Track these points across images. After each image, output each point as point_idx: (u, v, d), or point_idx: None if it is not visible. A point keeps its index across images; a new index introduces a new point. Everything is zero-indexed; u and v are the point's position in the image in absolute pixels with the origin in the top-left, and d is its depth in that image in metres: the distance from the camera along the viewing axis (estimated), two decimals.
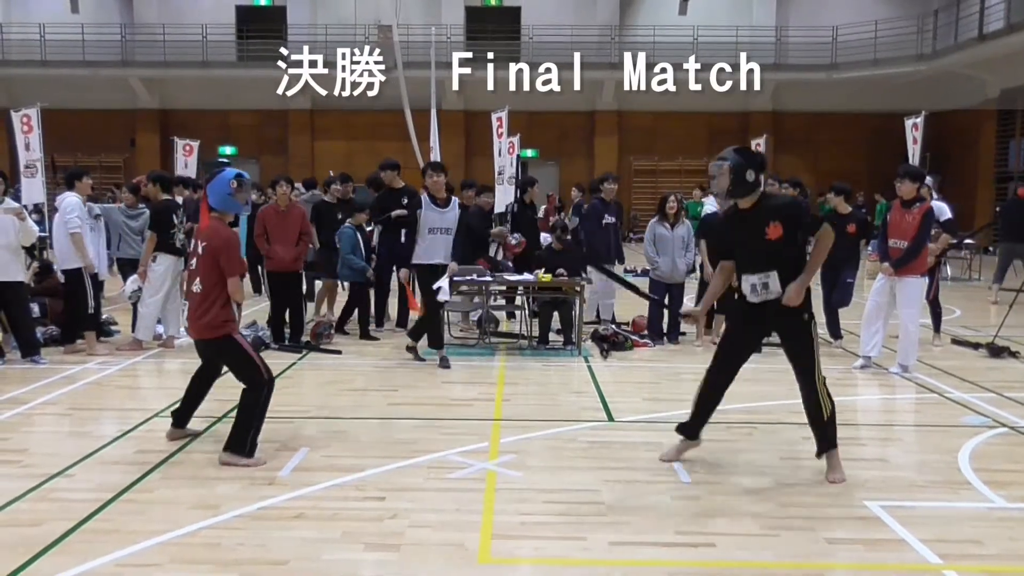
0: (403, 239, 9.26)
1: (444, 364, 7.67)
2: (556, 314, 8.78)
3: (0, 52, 25.00)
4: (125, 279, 9.26)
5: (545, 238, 9.70)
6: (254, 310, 10.59)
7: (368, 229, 9.48)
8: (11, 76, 24.85)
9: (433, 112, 8.80)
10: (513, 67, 24.93)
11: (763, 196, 4.79)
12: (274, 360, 7.89)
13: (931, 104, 20.90)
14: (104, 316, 9.10)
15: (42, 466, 4.86)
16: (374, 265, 9.37)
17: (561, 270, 8.50)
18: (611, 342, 8.49)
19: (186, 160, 17.93)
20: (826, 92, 25.22)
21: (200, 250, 4.97)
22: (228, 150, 25.69)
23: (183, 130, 20.50)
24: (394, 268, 9.27)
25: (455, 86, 23.66)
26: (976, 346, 8.65)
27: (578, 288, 8.53)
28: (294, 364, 7.86)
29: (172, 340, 8.51)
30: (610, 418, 6.08)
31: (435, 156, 8.87)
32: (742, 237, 4.81)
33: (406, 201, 9.40)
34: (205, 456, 5.12)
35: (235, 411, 4.99)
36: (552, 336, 8.85)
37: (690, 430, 5.06)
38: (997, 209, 21.95)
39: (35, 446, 5.36)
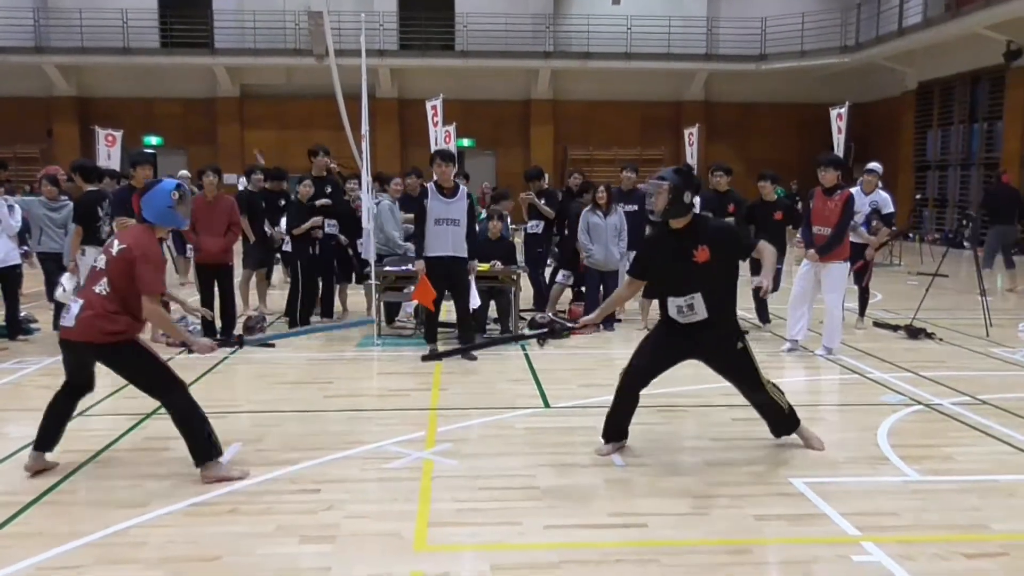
0: (326, 229, 9.22)
1: (434, 356, 7.57)
2: (492, 303, 8.81)
3: None
4: (47, 274, 8.99)
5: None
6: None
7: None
8: None
9: (364, 101, 8.69)
10: (447, 55, 24.92)
11: (695, 219, 4.82)
12: (206, 355, 7.77)
13: (855, 95, 21.62)
14: (23, 313, 8.80)
15: None
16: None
17: (496, 260, 8.52)
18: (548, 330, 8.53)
19: (109, 151, 17.39)
20: (756, 82, 25.79)
21: (115, 251, 4.47)
22: (153, 140, 25.02)
23: (105, 119, 19.84)
24: (320, 260, 9.25)
25: (388, 74, 23.52)
26: (896, 328, 8.98)
27: (514, 277, 8.57)
28: (226, 359, 7.72)
29: None
30: (546, 404, 6.14)
31: (366, 144, 8.76)
32: (669, 258, 4.79)
33: (329, 190, 9.34)
34: (132, 454, 5.01)
35: (176, 426, 4.54)
36: (489, 325, 8.88)
37: (616, 434, 5.07)
38: (917, 196, 22.80)
39: None
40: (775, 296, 9.22)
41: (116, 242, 4.53)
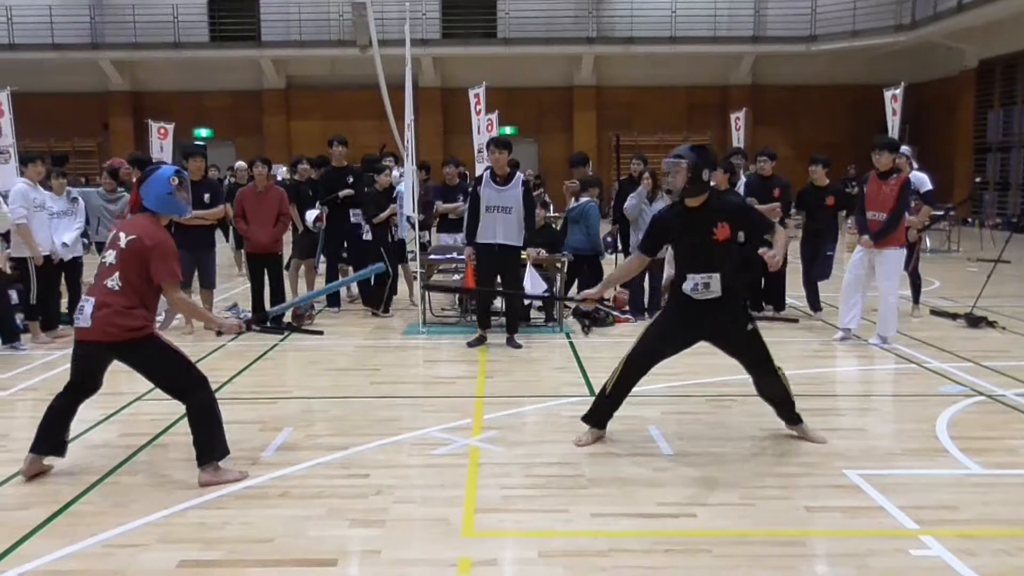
0: (351, 218, 9.32)
1: (479, 342, 7.68)
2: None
3: None
4: None
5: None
6: (233, 293, 10.55)
7: (316, 212, 9.41)
8: None
9: (408, 90, 8.73)
10: (489, 43, 24.90)
11: (712, 195, 4.78)
12: (256, 342, 7.92)
13: (910, 75, 21.04)
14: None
15: (25, 451, 4.82)
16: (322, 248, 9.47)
17: (541, 248, 8.49)
18: (592, 318, 8.53)
19: (161, 143, 17.72)
20: (805, 64, 25.27)
21: (124, 243, 4.29)
22: (203, 132, 25.43)
23: (157, 113, 20.22)
24: (343, 250, 9.34)
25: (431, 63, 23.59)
26: (954, 316, 8.76)
27: (558, 264, 8.54)
28: (276, 345, 7.85)
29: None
30: (591, 393, 6.10)
31: (410, 134, 8.80)
32: (688, 235, 4.77)
33: (351, 180, 9.41)
34: (188, 438, 5.10)
35: (190, 422, 4.38)
36: (533, 313, 8.88)
37: (600, 421, 5.02)
38: (977, 180, 22.15)
39: (17, 431, 5.33)
40: (827, 284, 9.09)
41: (123, 235, 4.33)
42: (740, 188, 9.32)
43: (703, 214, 4.70)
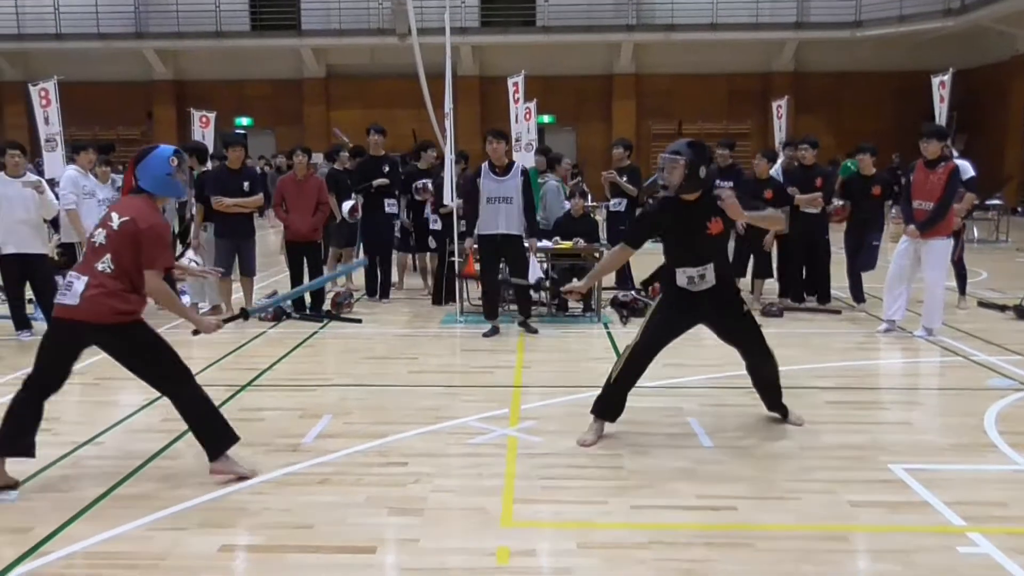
0: (386, 208, 9.34)
1: (493, 332, 7.70)
2: (575, 280, 8.75)
3: (16, 26, 24.99)
4: None
5: (563, 205, 9.65)
6: (274, 280, 10.65)
7: (351, 202, 9.45)
8: (27, 50, 24.89)
9: (448, 78, 8.71)
10: (528, 31, 24.76)
11: (706, 191, 4.76)
12: (295, 329, 8.00)
13: (959, 61, 20.47)
14: None
15: (72, 434, 4.94)
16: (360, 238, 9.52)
17: (579, 238, 8.45)
18: (630, 308, 8.46)
19: (203, 132, 17.95)
20: (850, 51, 24.75)
21: (116, 224, 4.07)
22: (244, 121, 25.67)
23: (199, 101, 20.45)
24: (378, 240, 9.35)
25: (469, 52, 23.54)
26: (1003, 308, 8.55)
27: (596, 255, 8.49)
28: (315, 333, 7.90)
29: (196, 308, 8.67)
30: None
31: (450, 123, 8.78)
32: (681, 229, 4.76)
33: (387, 169, 9.42)
34: (230, 423, 5.17)
35: (184, 418, 4.22)
36: (571, 303, 8.84)
37: (612, 414, 4.95)
38: None
39: (65, 414, 5.43)
40: (871, 275, 8.92)
41: (116, 215, 4.11)
42: (776, 174, 9.18)
43: (698, 209, 4.71)
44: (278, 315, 8.48)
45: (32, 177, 7.64)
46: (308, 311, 8.66)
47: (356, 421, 5.24)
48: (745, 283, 9.19)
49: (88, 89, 22.77)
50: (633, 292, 8.93)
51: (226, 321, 4.60)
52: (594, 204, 11.58)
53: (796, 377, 6.16)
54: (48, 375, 4.13)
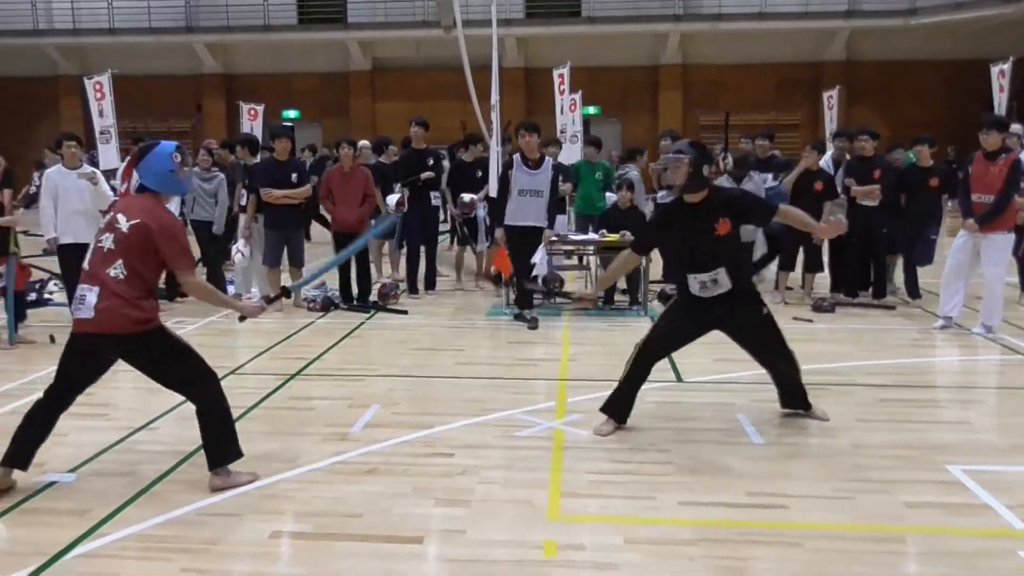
0: (432, 201, 9.35)
1: (533, 325, 7.71)
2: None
3: (71, 21, 25.57)
4: (199, 241, 9.55)
5: (610, 197, 9.59)
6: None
7: (397, 196, 9.48)
8: (82, 44, 25.45)
9: (495, 70, 8.70)
10: (574, 22, 24.62)
11: (712, 190, 4.67)
12: (343, 320, 8.07)
13: (1019, 48, 19.84)
14: None
15: (127, 419, 5.05)
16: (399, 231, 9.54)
17: (626, 231, 8.38)
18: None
19: (251, 124, 18.19)
20: (904, 39, 24.16)
21: (125, 228, 3.85)
22: (291, 113, 25.94)
23: (247, 94, 20.70)
24: (423, 232, 9.38)
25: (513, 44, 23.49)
26: None
27: None
28: (362, 324, 7.97)
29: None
30: (678, 378, 6.01)
31: (495, 115, 8.78)
32: (687, 232, 4.65)
33: (431, 162, 9.42)
34: (280, 412, 5.25)
35: (200, 421, 4.02)
36: (617, 296, 8.79)
37: (620, 414, 4.87)
38: None
39: (119, 401, 5.55)
40: (927, 270, 8.71)
41: (123, 217, 3.89)
42: (825, 166, 9.00)
43: (703, 210, 4.60)
44: (326, 306, 8.58)
45: (88, 169, 7.81)
46: (355, 302, 8.73)
47: (403, 411, 5.27)
48: (796, 277, 9.06)
49: (140, 82, 23.20)
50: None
51: (269, 302, 4.50)
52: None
53: (848, 374, 6.06)
54: (69, 387, 4.00)
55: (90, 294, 3.84)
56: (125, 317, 3.81)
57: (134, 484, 4.07)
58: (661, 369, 6.18)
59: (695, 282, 4.65)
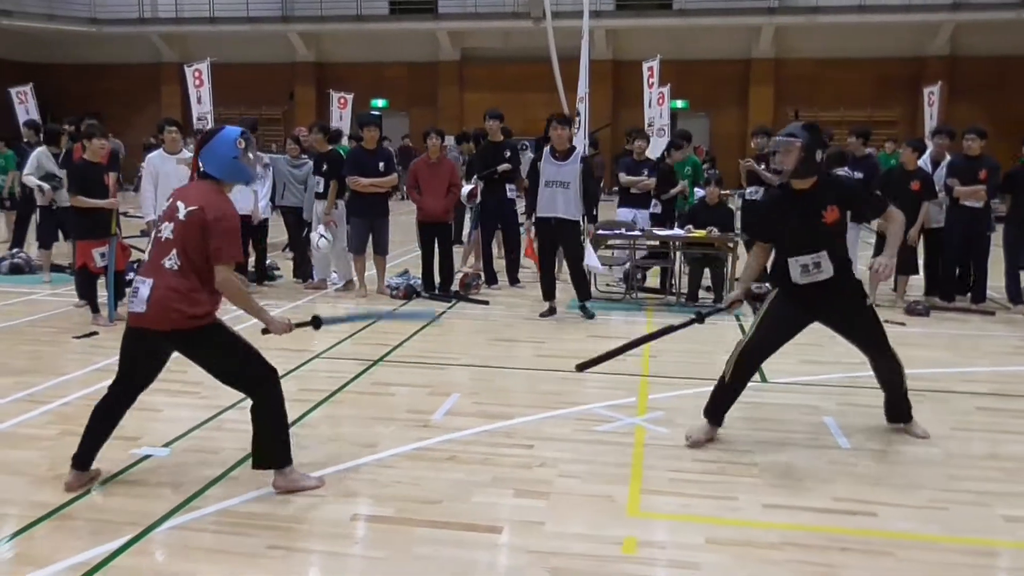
0: (507, 194, 9.33)
1: (550, 312, 7.78)
2: (707, 271, 8.58)
3: (174, 10, 26.54)
4: (288, 226, 9.80)
5: (698, 192, 9.43)
6: (404, 260, 10.89)
7: (470, 187, 9.49)
8: (184, 33, 26.39)
9: (584, 62, 8.65)
10: (664, 14, 24.27)
11: (821, 177, 4.46)
12: (425, 308, 8.14)
13: None
14: (267, 261, 9.61)
15: (216, 398, 5.20)
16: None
17: (712, 227, 8.23)
18: (764, 300, 8.17)
19: (341, 112, 18.59)
20: (1013, 32, 22.99)
21: (183, 215, 3.69)
22: (380, 103, 26.35)
23: (338, 83, 21.15)
24: (498, 226, 9.37)
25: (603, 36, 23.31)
26: None
27: (731, 244, 8.25)
28: (443, 313, 8.04)
29: (325, 283, 9.05)
30: (764, 379, 5.87)
31: (584, 107, 8.72)
32: (794, 219, 4.44)
33: (508, 155, 9.39)
34: (362, 396, 5.35)
35: (255, 421, 3.88)
36: (701, 293, 8.65)
37: (718, 415, 4.68)
38: None
39: (210, 380, 5.64)
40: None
41: (182, 204, 3.72)
42: (924, 165, 8.65)
43: (812, 197, 4.41)
44: (408, 294, 8.69)
45: (187, 154, 8.07)
46: (437, 291, 8.82)
47: (483, 401, 5.30)
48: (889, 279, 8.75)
49: (236, 70, 23.88)
50: (767, 284, 8.62)
51: (298, 325, 4.13)
52: (727, 192, 11.28)
53: (943, 380, 5.83)
54: (132, 380, 3.91)
55: (143, 287, 3.69)
56: (178, 312, 3.64)
57: (223, 461, 4.21)
58: None
59: (796, 265, 4.47)
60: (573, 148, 7.86)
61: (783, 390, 5.63)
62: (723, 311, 5.12)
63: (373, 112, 24.32)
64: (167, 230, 3.72)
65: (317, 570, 3.30)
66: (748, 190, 9.69)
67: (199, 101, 14.90)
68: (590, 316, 7.77)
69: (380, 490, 3.92)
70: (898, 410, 4.78)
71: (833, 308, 4.57)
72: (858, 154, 8.97)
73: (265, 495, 3.84)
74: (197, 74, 14.97)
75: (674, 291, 8.79)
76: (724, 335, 7.28)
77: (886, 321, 7.56)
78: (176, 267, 3.67)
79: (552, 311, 7.85)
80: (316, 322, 4.27)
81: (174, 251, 3.67)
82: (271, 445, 3.84)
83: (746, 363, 4.63)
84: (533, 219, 7.96)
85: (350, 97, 18.72)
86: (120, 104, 26.26)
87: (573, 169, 7.65)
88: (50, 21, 25.88)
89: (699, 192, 9.31)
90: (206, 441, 4.54)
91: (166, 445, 4.44)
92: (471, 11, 25.37)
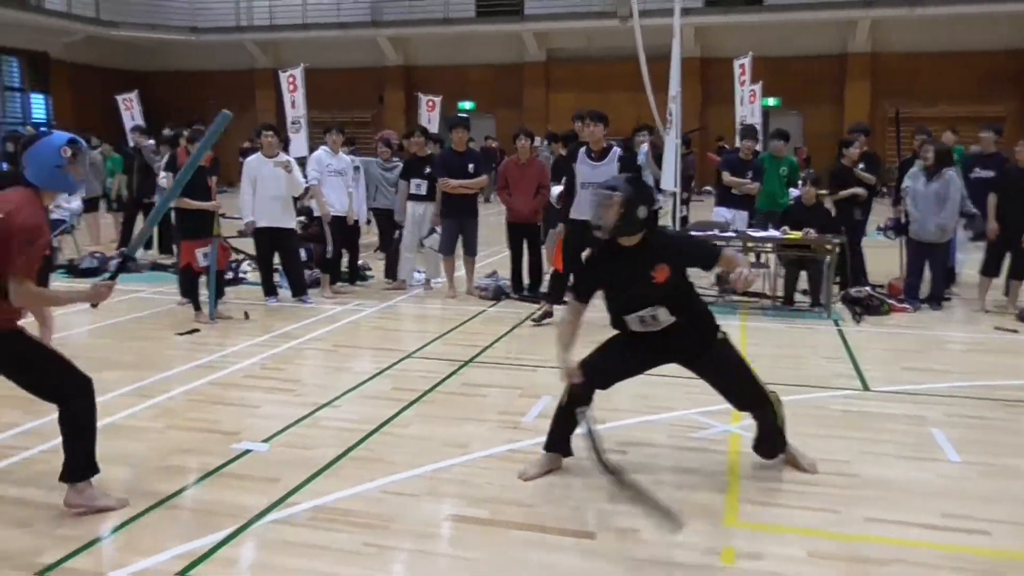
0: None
1: (545, 317, 7.60)
2: (803, 273, 8.34)
3: (269, 18, 27.36)
4: (380, 228, 9.99)
5: (793, 192, 9.18)
6: (492, 260, 10.93)
7: (560, 188, 9.40)
8: (277, 40, 27.19)
9: (675, 61, 8.50)
10: (755, 10, 23.75)
11: (648, 234, 3.99)
12: (514, 309, 8.16)
13: None
14: (360, 262, 9.79)
15: (312, 396, 5.33)
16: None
17: (809, 228, 7.98)
18: (865, 305, 7.91)
19: (429, 115, 18.80)
20: None
21: None
22: (467, 105, 26.59)
23: (425, 86, 21.43)
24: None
25: (686, 33, 22.95)
26: None
27: (828, 246, 8.00)
28: (532, 314, 8.02)
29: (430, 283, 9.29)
30: (865, 387, 5.67)
31: (676, 106, 8.58)
32: (621, 277, 3.99)
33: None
34: (454, 397, 5.38)
35: (63, 432, 3.64)
36: (798, 296, 8.41)
37: (557, 444, 4.22)
38: None
39: (306, 378, 5.88)
40: None
41: None
42: None
43: (639, 254, 3.95)
44: (497, 295, 8.72)
45: (283, 157, 8.29)
46: (526, 292, 8.82)
47: None
48: (999, 283, 8.34)
49: (327, 75, 24.44)
50: (868, 288, 8.33)
51: (112, 277, 3.78)
52: (824, 192, 10.95)
53: None
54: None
55: None
56: None
57: (319, 458, 4.29)
58: (846, 376, 5.90)
59: (633, 319, 4.01)
60: (610, 147, 7.55)
61: (886, 398, 5.41)
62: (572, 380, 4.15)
63: (461, 115, 24.61)
64: None
65: (411, 569, 3.32)
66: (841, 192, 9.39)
67: (293, 105, 15.25)
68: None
69: (473, 491, 3.93)
70: (770, 445, 4.25)
71: (682, 345, 4.06)
72: (988, 151, 8.57)
73: (360, 492, 3.89)
74: (291, 79, 15.33)
75: (769, 294, 8.57)
76: (820, 340, 7.08)
77: (996, 328, 7.26)
78: None
79: (549, 315, 7.51)
80: (123, 265, 3.98)
81: None
82: (79, 458, 3.65)
83: (574, 389, 4.09)
84: (559, 228, 7.72)
85: (438, 100, 18.93)
86: (217, 109, 27.17)
87: (610, 169, 7.28)
88: (153, 31, 27.02)
89: (794, 192, 9.05)
90: (303, 438, 4.63)
91: (265, 441, 4.55)
92: (557, 11, 25.34)
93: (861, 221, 8.96)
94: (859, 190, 8.78)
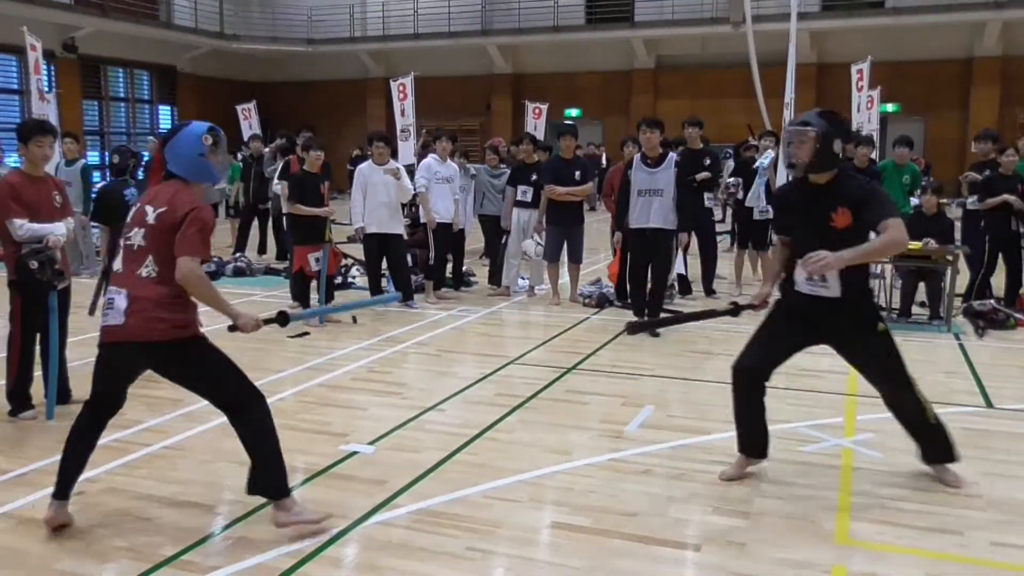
0: (705, 202, 9.03)
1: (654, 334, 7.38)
2: (922, 285, 7.97)
3: (382, 28, 28.11)
4: (486, 234, 10.11)
5: (913, 201, 8.79)
6: (595, 268, 10.88)
7: None
8: (389, 49, 27.89)
9: (791, 67, 8.29)
10: (875, 14, 22.87)
11: (839, 175, 3.85)
12: (617, 317, 8.11)
13: None
14: (465, 267, 9.93)
15: (418, 399, 5.43)
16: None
17: (929, 238, 7.62)
18: (988, 319, 7.50)
19: (535, 122, 18.91)
20: None
21: (152, 218, 3.41)
22: (573, 112, 26.60)
23: (533, 93, 21.54)
24: (699, 233, 9.07)
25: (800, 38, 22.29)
26: None
27: (949, 257, 7.61)
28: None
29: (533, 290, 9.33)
30: (988, 404, 5.37)
31: (789, 112, 8.36)
32: (804, 216, 3.90)
33: (708, 163, 9.08)
34: (556, 403, 5.38)
35: (246, 446, 3.55)
36: (915, 309, 8.04)
37: (751, 447, 4.18)
38: None
39: (412, 381, 6.00)
40: None
41: (150, 208, 3.43)
42: None
43: (825, 194, 3.85)
44: (600, 303, 8.67)
45: (393, 164, 8.50)
46: (629, 299, 8.73)
47: (678, 414, 5.19)
48: None
49: (437, 83, 24.92)
50: (992, 302, 7.89)
51: (267, 322, 3.73)
52: (946, 201, 10.44)
53: None
54: (105, 398, 3.58)
55: (119, 298, 3.39)
56: (160, 321, 3.36)
57: (425, 461, 4.36)
58: (968, 392, 5.61)
59: (802, 273, 3.89)
60: (666, 153, 7.54)
61: (1011, 416, 5.13)
62: (756, 309, 4.33)
63: (568, 122, 24.64)
64: (138, 237, 3.43)
65: (514, 575, 3.33)
66: (970, 199, 8.95)
67: (402, 113, 15.61)
68: (655, 335, 7.29)
69: (577, 499, 3.92)
70: (934, 449, 4.11)
71: (838, 328, 3.99)
72: None
73: (464, 496, 3.93)
74: (401, 88, 15.69)
75: (885, 305, 8.22)
76: (939, 354, 6.75)
77: None
78: (154, 274, 3.40)
79: (639, 324, 7.40)
80: (282, 318, 3.85)
81: (149, 258, 3.40)
82: (271, 469, 3.51)
83: (739, 385, 4.15)
84: (616, 237, 7.68)
85: (544, 107, 19.01)
86: (329, 118, 28.13)
87: (667, 175, 7.33)
88: (273, 43, 28.20)
89: (914, 201, 8.67)
90: (409, 440, 4.72)
91: (371, 443, 4.65)
92: (667, 18, 25.07)
93: (1018, 233, 8.37)
94: (1011, 198, 8.23)
